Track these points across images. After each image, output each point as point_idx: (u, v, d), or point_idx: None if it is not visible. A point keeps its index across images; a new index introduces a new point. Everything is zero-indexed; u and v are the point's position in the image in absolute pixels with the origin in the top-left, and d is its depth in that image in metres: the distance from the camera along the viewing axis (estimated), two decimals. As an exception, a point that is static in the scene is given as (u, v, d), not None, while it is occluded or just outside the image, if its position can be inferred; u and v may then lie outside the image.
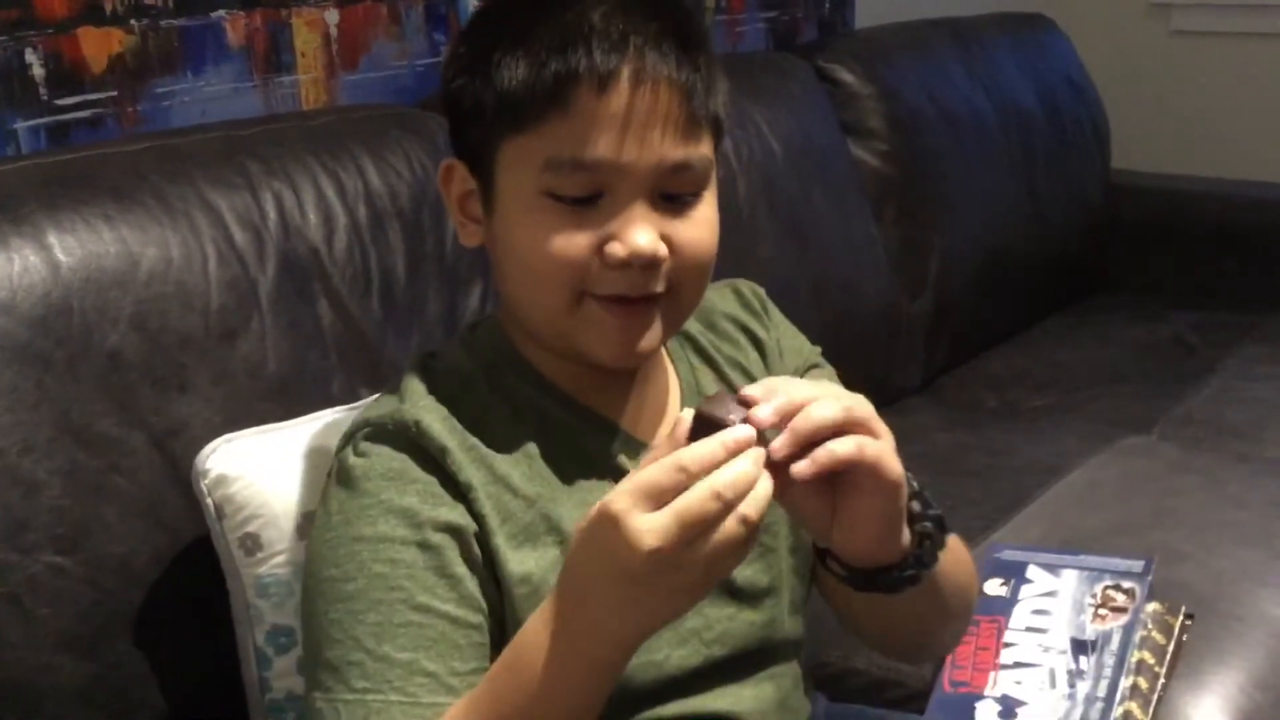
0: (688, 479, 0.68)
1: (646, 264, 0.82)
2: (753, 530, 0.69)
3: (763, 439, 0.72)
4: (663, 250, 0.82)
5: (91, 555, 1.02)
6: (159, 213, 1.13)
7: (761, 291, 1.05)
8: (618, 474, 0.89)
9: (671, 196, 0.84)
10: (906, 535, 0.81)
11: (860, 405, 0.75)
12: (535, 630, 0.75)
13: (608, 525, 0.69)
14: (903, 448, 1.95)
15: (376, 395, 0.93)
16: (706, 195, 0.86)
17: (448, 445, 0.83)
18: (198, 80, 1.46)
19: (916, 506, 0.83)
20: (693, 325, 0.99)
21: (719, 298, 1.02)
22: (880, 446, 0.75)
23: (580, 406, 0.90)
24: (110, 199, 1.12)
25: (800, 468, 0.72)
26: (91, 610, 1.01)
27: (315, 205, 1.25)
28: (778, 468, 0.72)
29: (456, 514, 0.83)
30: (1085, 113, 2.53)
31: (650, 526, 0.68)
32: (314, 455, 1.03)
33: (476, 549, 0.83)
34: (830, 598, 0.99)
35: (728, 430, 0.70)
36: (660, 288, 0.84)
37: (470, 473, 0.84)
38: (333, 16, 1.59)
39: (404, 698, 0.79)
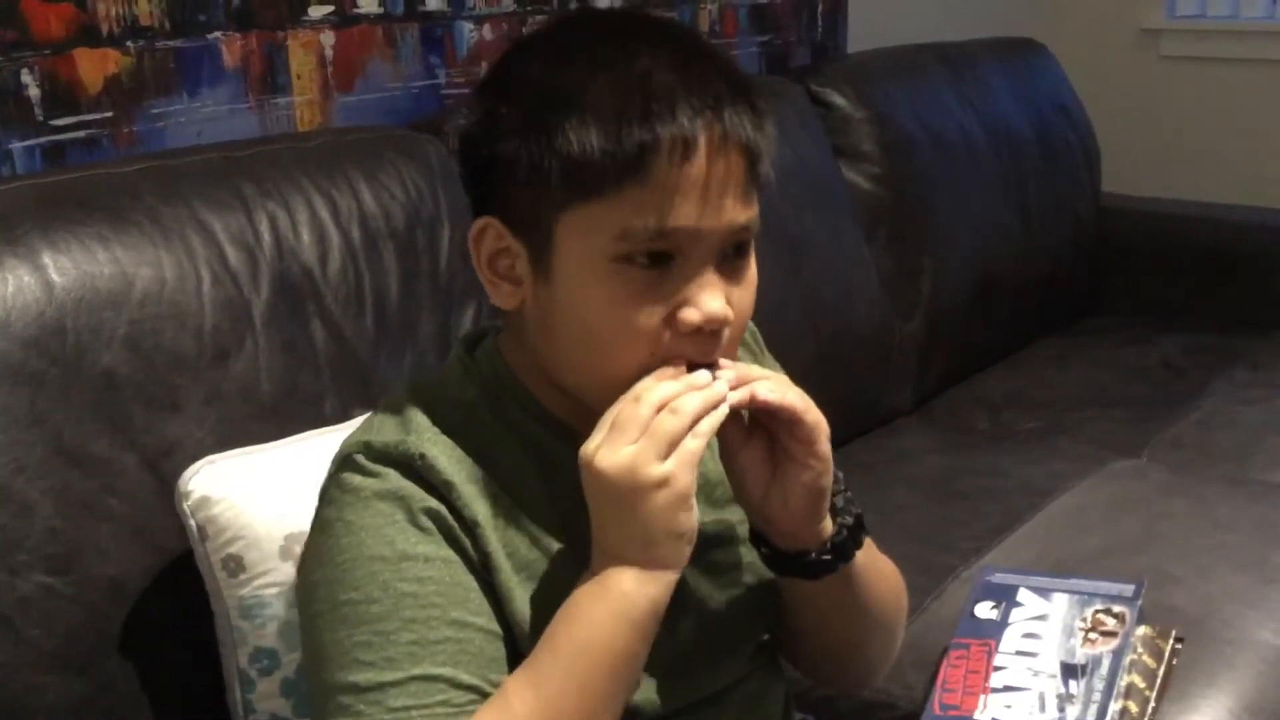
0: (643, 407, 0.78)
1: (716, 329, 0.81)
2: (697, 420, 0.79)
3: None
4: (731, 314, 0.82)
5: (83, 575, 1.02)
6: (153, 233, 1.14)
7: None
8: None
9: (729, 258, 0.83)
10: (830, 526, 0.90)
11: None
12: (581, 591, 0.81)
13: (585, 469, 0.80)
14: (894, 470, 1.96)
15: (366, 417, 0.90)
16: (750, 250, 0.85)
17: (453, 480, 0.82)
18: (193, 101, 1.47)
19: (840, 502, 0.92)
20: None
21: None
22: (811, 411, 0.85)
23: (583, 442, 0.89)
24: (105, 220, 1.12)
25: (736, 396, 0.82)
26: (82, 630, 1.01)
27: (309, 226, 1.25)
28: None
29: (465, 542, 0.82)
30: (1075, 137, 2.55)
31: (594, 448, 0.79)
32: (298, 477, 1.02)
33: (485, 574, 0.83)
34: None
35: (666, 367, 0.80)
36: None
37: (477, 508, 0.83)
38: (328, 39, 1.60)
39: (451, 709, 0.78)
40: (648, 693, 0.88)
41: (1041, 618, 1.29)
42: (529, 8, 1.84)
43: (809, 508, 0.87)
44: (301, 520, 0.98)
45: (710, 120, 0.78)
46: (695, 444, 0.79)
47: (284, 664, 1.02)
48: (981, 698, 1.21)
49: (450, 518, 0.82)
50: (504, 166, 0.81)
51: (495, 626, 0.82)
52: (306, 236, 1.25)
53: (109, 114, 1.40)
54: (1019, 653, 1.25)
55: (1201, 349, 2.29)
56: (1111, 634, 1.25)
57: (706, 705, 0.92)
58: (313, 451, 1.07)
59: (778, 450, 0.86)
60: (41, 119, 1.34)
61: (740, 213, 0.81)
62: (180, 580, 1.06)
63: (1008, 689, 1.21)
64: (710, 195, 0.79)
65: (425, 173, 1.38)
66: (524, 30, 1.83)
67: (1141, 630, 1.26)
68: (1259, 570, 1.42)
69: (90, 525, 1.03)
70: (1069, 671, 1.22)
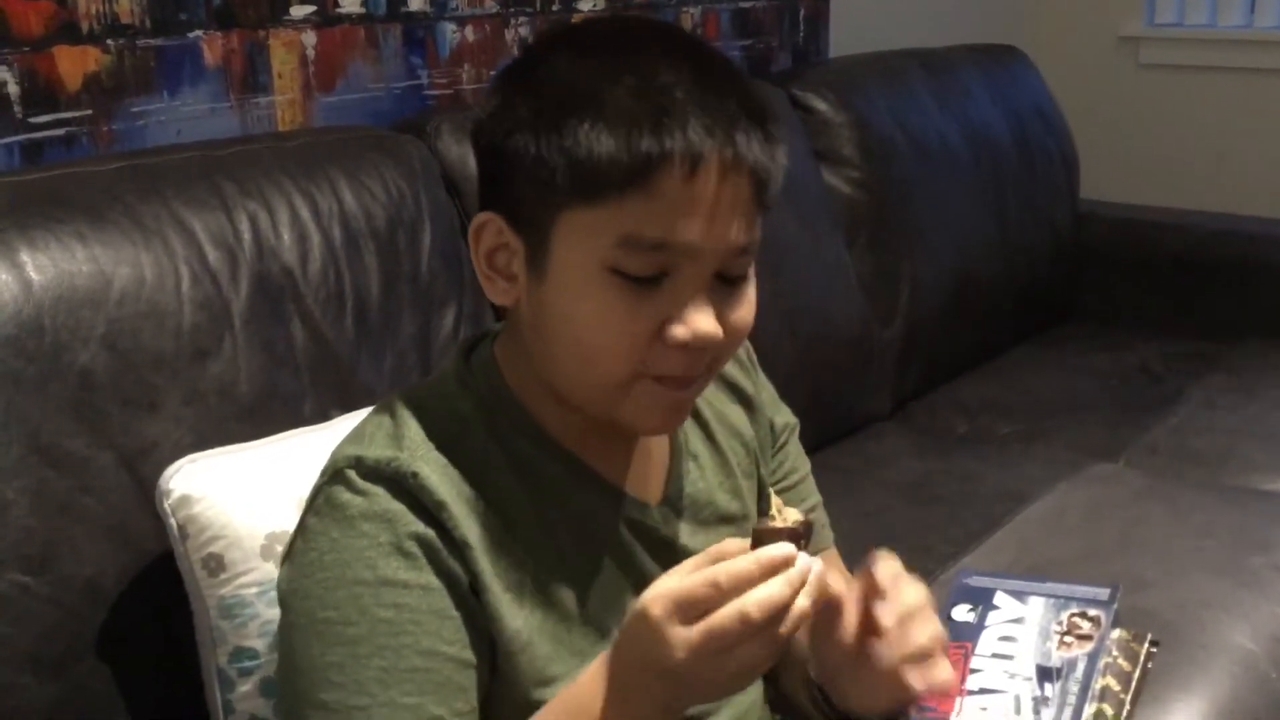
0: (719, 595, 0.72)
1: (704, 346, 0.81)
2: (783, 643, 0.74)
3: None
4: (720, 333, 0.81)
5: (58, 575, 1.01)
6: (132, 232, 1.13)
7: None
8: (616, 539, 0.89)
9: (725, 278, 0.82)
10: None
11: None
12: (591, 693, 0.78)
13: (646, 629, 0.74)
14: (872, 474, 1.96)
15: (359, 423, 0.89)
16: (751, 272, 0.85)
17: (445, 500, 0.81)
18: (173, 100, 1.46)
19: None
20: None
21: None
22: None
23: (580, 466, 0.89)
24: (84, 218, 1.11)
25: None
26: (57, 631, 1.01)
27: (290, 226, 1.25)
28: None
29: (452, 563, 0.82)
30: (1054, 143, 2.56)
31: (682, 641, 0.72)
32: (279, 477, 1.02)
33: (471, 599, 0.82)
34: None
35: (765, 549, 0.74)
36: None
37: (467, 528, 0.82)
38: (310, 38, 1.59)
39: None
40: None
41: (1018, 620, 1.29)
42: (512, 9, 1.84)
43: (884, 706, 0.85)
44: (282, 520, 0.98)
45: (723, 141, 0.78)
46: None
47: (265, 664, 1.01)
48: (958, 700, 1.21)
49: (439, 540, 0.81)
50: (513, 159, 0.81)
51: (469, 655, 0.81)
52: (287, 236, 1.24)
53: (88, 112, 1.39)
54: (995, 655, 1.26)
55: (1178, 355, 2.31)
56: (1087, 637, 1.25)
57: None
58: (293, 451, 1.07)
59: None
60: (20, 116, 1.33)
61: (743, 234, 0.81)
62: (157, 580, 1.05)
63: (984, 691, 1.22)
64: (716, 215, 0.78)
65: (407, 174, 1.38)
66: (506, 33, 1.83)
67: (1117, 634, 1.26)
68: (1234, 575, 1.43)
69: (66, 525, 1.02)
70: (1044, 674, 1.22)
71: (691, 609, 0.72)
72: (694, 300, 0.80)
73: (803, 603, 0.73)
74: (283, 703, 0.83)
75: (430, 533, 0.81)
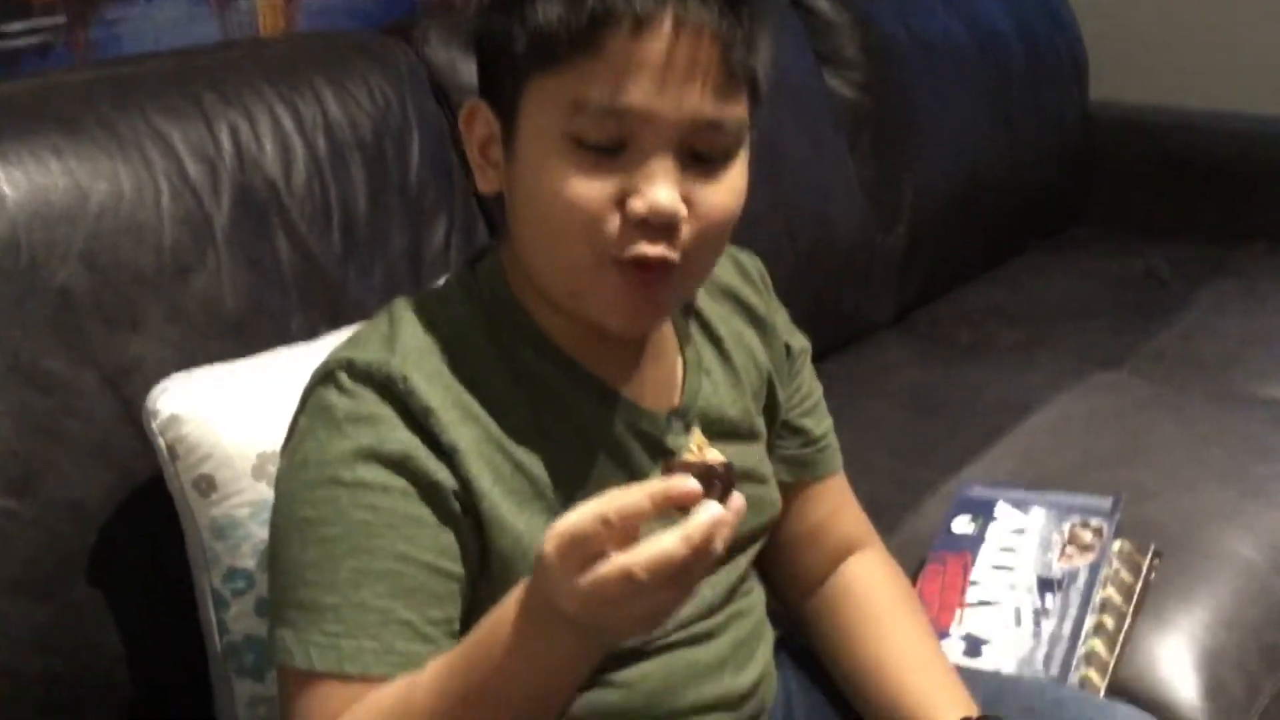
0: (608, 532, 0.66)
1: (665, 223, 0.78)
2: (690, 589, 0.68)
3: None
4: (683, 210, 0.78)
5: (43, 498, 1.00)
6: (109, 145, 1.10)
7: (760, 265, 1.03)
8: (617, 446, 0.88)
9: (700, 156, 0.80)
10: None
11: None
12: (505, 619, 0.73)
13: (540, 567, 0.69)
14: (874, 384, 1.94)
15: (356, 330, 0.89)
16: (737, 161, 0.82)
17: (433, 406, 0.81)
18: (150, 6, 1.41)
19: None
20: (698, 295, 0.96)
21: (718, 267, 0.99)
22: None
23: (583, 372, 0.87)
24: (58, 131, 1.08)
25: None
26: (43, 554, 0.99)
27: (272, 136, 1.21)
28: None
29: (437, 470, 0.81)
30: (1063, 42, 2.49)
31: (569, 591, 0.67)
32: (269, 395, 1.00)
33: (455, 506, 0.81)
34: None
35: (659, 482, 0.66)
36: (677, 255, 0.80)
37: (457, 433, 0.81)
38: (292, -61, 1.54)
39: (378, 644, 0.78)
40: None
41: (1019, 531, 1.28)
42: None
43: None
44: (273, 439, 0.96)
45: (675, 2, 0.77)
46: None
47: (258, 584, 1.00)
48: (957, 611, 1.21)
49: (424, 446, 0.80)
50: (487, 41, 0.83)
51: (447, 565, 0.80)
52: (269, 147, 1.21)
53: (62, 19, 1.34)
54: (995, 567, 1.25)
55: (1187, 260, 2.27)
56: (1089, 548, 1.25)
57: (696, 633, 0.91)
58: (283, 369, 1.04)
59: None
60: (-9, 25, 1.29)
61: (709, 106, 0.78)
62: (144, 502, 1.04)
63: (983, 603, 1.21)
64: (668, 79, 0.77)
65: (394, 80, 1.34)
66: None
67: (1119, 545, 1.25)
68: (1239, 484, 1.42)
69: (49, 447, 1.01)
70: (1045, 585, 1.22)
71: (580, 547, 0.66)
72: (655, 173, 0.78)
73: (717, 548, 0.67)
74: (271, 603, 0.83)
75: (415, 439, 0.80)
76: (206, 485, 0.99)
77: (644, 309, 0.83)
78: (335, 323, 1.19)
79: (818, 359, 1.07)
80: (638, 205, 0.77)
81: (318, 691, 0.78)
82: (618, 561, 0.65)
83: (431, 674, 0.75)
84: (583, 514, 0.67)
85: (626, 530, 0.66)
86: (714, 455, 0.71)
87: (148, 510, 1.04)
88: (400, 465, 0.80)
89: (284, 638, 0.79)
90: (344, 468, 0.79)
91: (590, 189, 0.78)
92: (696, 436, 0.71)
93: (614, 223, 0.78)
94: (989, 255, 2.29)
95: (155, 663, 1.05)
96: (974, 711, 0.91)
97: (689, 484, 0.66)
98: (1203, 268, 2.22)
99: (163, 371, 1.04)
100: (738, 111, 0.80)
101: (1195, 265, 2.24)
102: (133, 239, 1.08)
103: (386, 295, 1.25)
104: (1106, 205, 2.52)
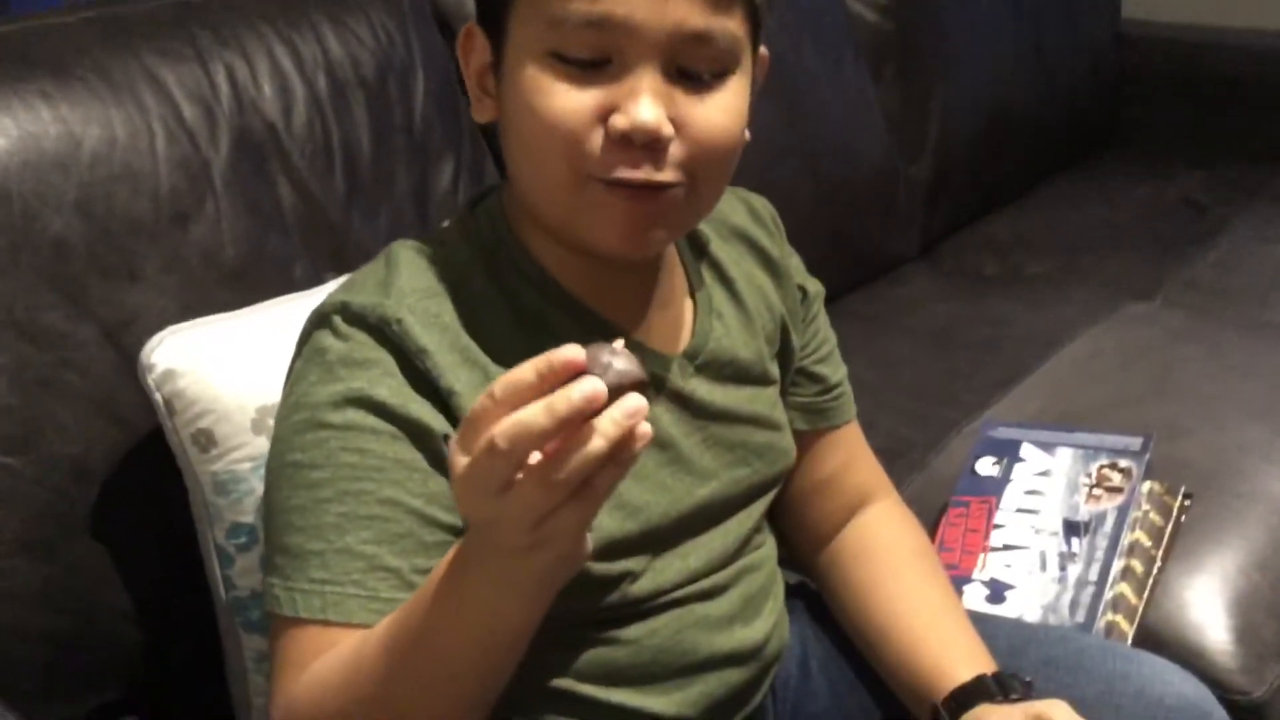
0: (495, 409, 0.60)
1: (649, 141, 0.75)
2: (564, 491, 0.60)
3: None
4: (668, 129, 0.75)
5: (43, 455, 0.98)
6: (101, 89, 1.07)
7: (772, 209, 1.00)
8: None
9: (689, 74, 0.76)
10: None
11: None
12: (444, 560, 0.69)
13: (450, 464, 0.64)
14: (897, 320, 1.90)
15: (353, 273, 0.87)
16: (733, 81, 0.78)
17: (429, 349, 0.79)
18: (145, -59, 1.37)
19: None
20: (708, 234, 0.93)
21: (728, 207, 0.96)
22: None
23: (585, 310, 0.84)
24: (48, 75, 1.05)
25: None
26: (45, 512, 0.98)
27: (271, 77, 1.17)
28: None
29: (430, 415, 0.78)
30: (1095, -42, 2.41)
31: (456, 479, 0.62)
32: (269, 346, 0.98)
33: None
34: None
35: (547, 355, 0.59)
36: (668, 176, 0.77)
37: (454, 376, 0.79)
38: None
39: (363, 591, 0.76)
40: (645, 574, 0.85)
41: (1044, 474, 1.25)
42: None
43: None
44: (273, 391, 0.94)
45: None
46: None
47: (262, 539, 0.98)
48: (980, 556, 1.18)
49: (417, 390, 0.78)
50: None
51: (436, 513, 0.78)
52: (268, 89, 1.17)
53: (54, -42, 1.31)
54: (1020, 510, 1.22)
55: (1223, 183, 2.21)
56: (1117, 490, 1.21)
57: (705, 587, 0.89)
58: (285, 318, 1.01)
59: None
60: (-19, -35, 1.26)
61: (696, 16, 0.74)
62: (147, 456, 1.02)
63: (1007, 548, 1.19)
64: None
65: (396, 16, 1.30)
66: None
67: (1148, 486, 1.22)
68: (1274, 420, 1.37)
69: (48, 402, 0.99)
70: (1071, 529, 1.19)
71: (471, 429, 0.60)
72: (639, 88, 0.74)
73: (597, 444, 0.58)
74: (264, 551, 0.82)
75: (409, 382, 0.78)
76: (206, 440, 0.97)
77: (636, 227, 0.79)
78: (340, 268, 1.16)
79: (839, 295, 1.04)
80: (619, 121, 0.74)
81: (301, 638, 0.76)
82: (485, 434, 0.60)
83: (382, 624, 0.72)
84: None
85: (516, 408, 0.60)
86: (627, 352, 0.62)
87: (152, 465, 1.02)
88: (391, 409, 0.77)
89: (272, 585, 0.78)
90: (334, 411, 0.78)
91: (570, 104, 0.75)
92: (621, 341, 0.64)
93: (595, 140, 0.75)
94: (1018, 184, 2.24)
95: (163, 620, 1.04)
96: (991, 667, 0.88)
97: (570, 350, 0.59)
98: (1239, 192, 2.16)
99: (163, 322, 1.02)
100: (729, 25, 0.77)
101: (1232, 190, 2.18)
102: (128, 186, 1.05)
103: (392, 238, 1.20)
104: (1140, 129, 2.46)
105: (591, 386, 0.58)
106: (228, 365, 0.98)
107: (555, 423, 0.58)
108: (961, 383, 1.53)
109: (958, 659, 0.90)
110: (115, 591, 1.01)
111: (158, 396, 0.98)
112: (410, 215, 1.26)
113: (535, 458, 0.60)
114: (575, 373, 0.59)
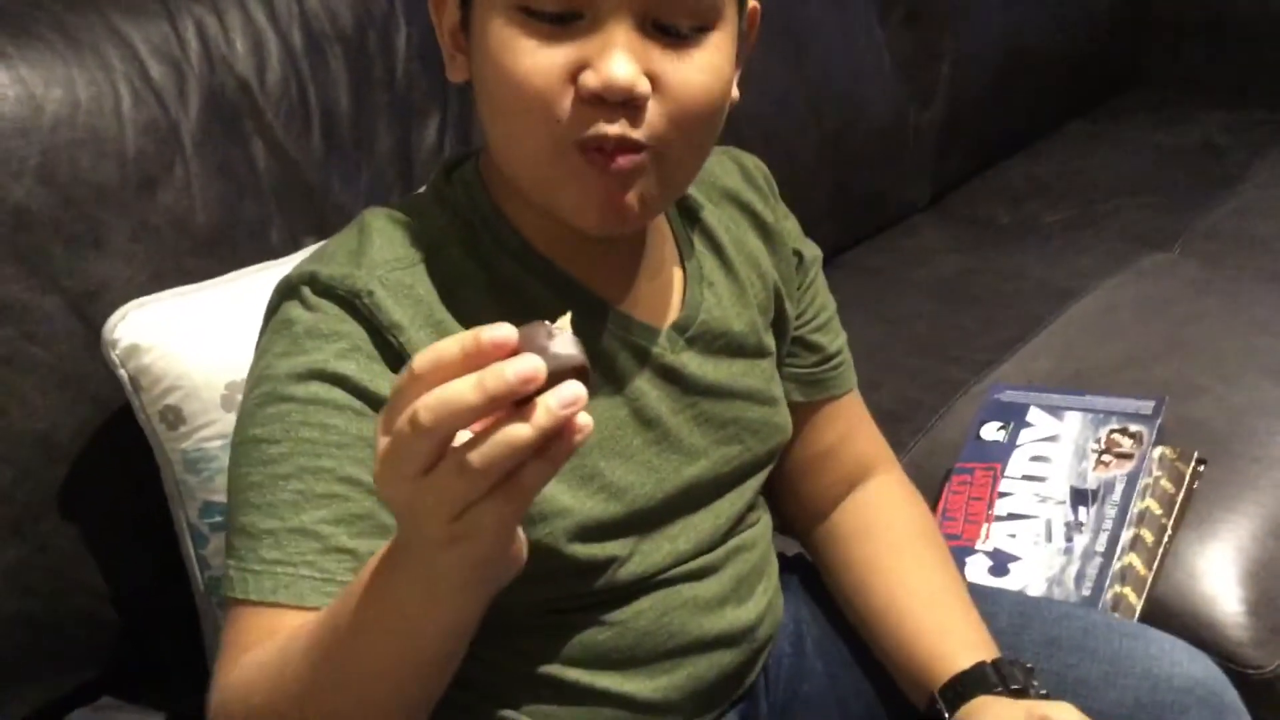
0: (417, 385, 0.54)
1: (623, 99, 0.70)
2: (492, 479, 0.54)
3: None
4: (644, 85, 0.71)
5: (8, 431, 0.95)
6: (62, 48, 1.02)
7: (766, 169, 0.95)
8: (607, 360, 0.81)
9: (666, 29, 0.72)
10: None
11: None
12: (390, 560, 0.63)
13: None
14: (905, 274, 1.85)
15: (323, 242, 0.83)
16: (715, 38, 0.74)
17: (400, 322, 0.75)
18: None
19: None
20: (697, 198, 0.89)
21: (719, 168, 0.91)
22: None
23: (568, 280, 0.80)
24: (6, 34, 1.01)
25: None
26: (12, 490, 0.95)
27: (243, 32, 1.13)
28: None
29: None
30: (1117, -110, 2.32)
31: (378, 460, 0.56)
32: (238, 318, 0.94)
33: None
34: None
35: (474, 332, 0.53)
36: (644, 135, 0.72)
37: None
38: None
39: (316, 573, 0.72)
40: (632, 557, 0.82)
41: (1052, 439, 1.21)
42: None
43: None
44: (244, 367, 0.90)
45: None
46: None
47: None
48: (984, 526, 1.15)
49: (387, 365, 0.75)
50: None
51: None
52: (240, 44, 1.12)
53: (21, -92, 1.25)
54: (1026, 477, 1.18)
55: (1246, 126, 2.13)
56: (1127, 456, 1.17)
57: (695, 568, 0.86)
58: (256, 288, 0.97)
59: None
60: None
61: None
62: (117, 433, 0.99)
63: (1013, 516, 1.15)
64: None
65: (376, -36, 1.24)
66: None
67: (1160, 452, 1.17)
68: (1292, 378, 1.32)
69: (12, 376, 0.96)
70: (1079, 497, 1.15)
71: (391, 408, 0.55)
72: (610, 43, 0.70)
73: (522, 431, 0.52)
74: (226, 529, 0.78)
75: (377, 355, 0.75)
76: (174, 417, 0.94)
77: (615, 199, 0.74)
78: (319, 233, 1.12)
79: (846, 248, 0.99)
80: (590, 79, 0.70)
81: (251, 620, 0.72)
82: (408, 408, 0.54)
83: (314, 617, 0.68)
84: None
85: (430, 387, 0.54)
86: (569, 333, 0.56)
87: (123, 441, 0.99)
88: (357, 384, 0.74)
89: (227, 566, 0.74)
90: (296, 384, 0.74)
91: (539, 61, 0.70)
92: (567, 317, 0.58)
93: (567, 100, 0.71)
94: (1032, 128, 2.17)
95: (140, 599, 1.02)
96: (991, 653, 0.85)
97: (501, 329, 0.53)
98: (1264, 134, 2.09)
99: (131, 292, 0.99)
100: None
101: (1255, 132, 2.11)
102: (92, 151, 1.01)
103: (374, 200, 1.19)
104: (1159, 68, 2.38)
105: (530, 365, 0.52)
106: (195, 339, 0.95)
107: (484, 399, 0.52)
108: (971, 340, 1.48)
109: (957, 645, 0.86)
110: (89, 571, 0.99)
111: (122, 373, 0.94)
112: (392, 176, 1.22)
113: (463, 439, 0.54)
114: (506, 354, 0.53)
